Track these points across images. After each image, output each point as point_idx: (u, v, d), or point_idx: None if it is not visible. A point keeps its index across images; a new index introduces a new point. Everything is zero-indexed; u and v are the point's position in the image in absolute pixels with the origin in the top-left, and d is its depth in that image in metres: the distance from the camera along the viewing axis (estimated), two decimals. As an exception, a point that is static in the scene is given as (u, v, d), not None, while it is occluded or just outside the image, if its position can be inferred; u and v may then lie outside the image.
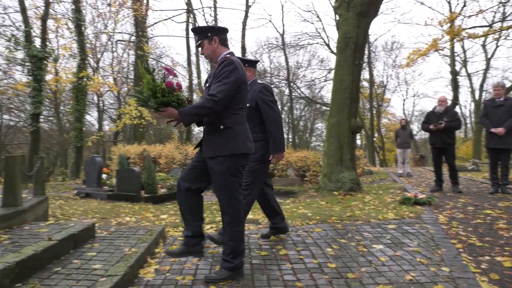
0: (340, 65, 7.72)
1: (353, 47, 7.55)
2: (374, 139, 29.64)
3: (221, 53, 3.00)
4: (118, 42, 20.32)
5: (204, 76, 25.52)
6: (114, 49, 21.55)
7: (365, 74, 26.25)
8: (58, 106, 21.07)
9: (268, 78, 29.80)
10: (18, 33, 14.46)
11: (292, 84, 28.40)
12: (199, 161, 2.99)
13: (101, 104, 24.21)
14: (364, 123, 25.85)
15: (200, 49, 3.08)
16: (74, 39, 14.43)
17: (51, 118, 23.01)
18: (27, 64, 12.51)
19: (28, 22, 12.91)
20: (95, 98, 22.95)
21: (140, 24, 14.49)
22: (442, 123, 6.68)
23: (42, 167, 4.74)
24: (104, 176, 8.92)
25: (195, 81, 19.90)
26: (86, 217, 5.79)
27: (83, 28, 13.62)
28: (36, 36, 13.29)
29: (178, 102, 2.79)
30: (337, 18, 10.19)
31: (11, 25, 17.10)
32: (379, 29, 57.37)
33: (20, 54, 13.98)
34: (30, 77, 12.84)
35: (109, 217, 5.83)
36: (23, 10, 12.85)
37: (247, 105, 3.34)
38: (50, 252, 2.86)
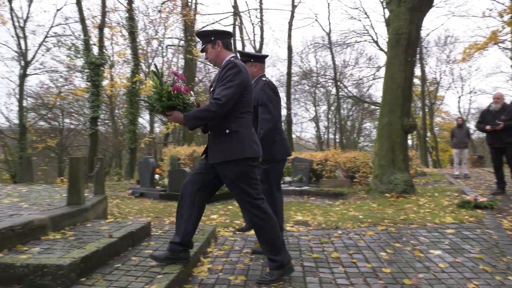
0: (391, 62, 7.46)
1: (405, 44, 7.28)
2: (427, 139, 28.36)
3: (225, 57, 2.96)
4: (168, 47, 21.05)
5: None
6: (164, 54, 22.35)
7: (416, 71, 25.21)
8: (113, 109, 22.21)
9: (314, 78, 29.49)
10: (77, 42, 15.43)
11: (339, 83, 27.89)
12: (206, 169, 2.95)
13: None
14: (416, 123, 24.84)
15: (204, 54, 3.07)
16: (128, 46, 15.15)
17: (107, 121, 24.28)
18: (86, 70, 13.32)
19: (87, 31, 13.75)
20: (146, 101, 23.85)
21: (189, 29, 14.91)
22: (500, 123, 6.23)
23: (102, 168, 5.01)
24: (156, 176, 9.26)
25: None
26: (141, 215, 6.04)
27: (136, 35, 14.25)
28: (94, 44, 14.12)
29: (184, 106, 2.78)
30: (388, 14, 9.85)
31: (71, 35, 18.31)
32: (431, 24, 54.86)
33: (79, 62, 14.92)
34: (88, 83, 13.66)
35: (162, 216, 6.05)
36: (82, 20, 13.70)
37: (253, 104, 3.28)
38: (111, 249, 3.01)
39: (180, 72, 2.97)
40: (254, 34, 22.79)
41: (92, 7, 27.08)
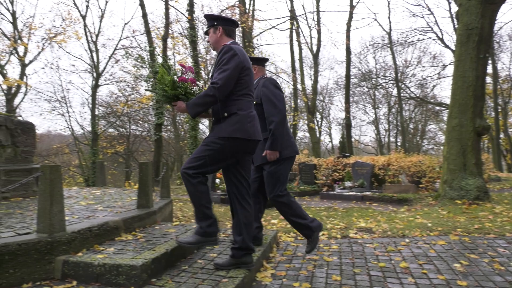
0: (461, 60, 7.00)
1: (477, 39, 6.80)
2: (500, 141, 26.19)
3: (224, 43, 2.94)
4: (226, 53, 21.52)
5: (307, 82, 25.57)
6: (222, 61, 22.88)
7: (488, 68, 23.43)
8: (175, 116, 23.14)
9: (374, 79, 28.55)
10: (143, 53, 16.33)
11: (400, 84, 26.73)
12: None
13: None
14: (489, 124, 23.07)
15: (207, 37, 3.08)
16: (189, 55, 15.72)
17: (169, 128, 25.35)
18: (151, 80, 14.03)
19: (152, 43, 14.50)
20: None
21: (247, 35, 15.15)
22: None
23: (168, 172, 5.23)
24: (217, 180, 9.47)
25: (299, 87, 20.07)
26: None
27: (196, 44, 14.75)
28: (158, 55, 14.83)
29: (186, 96, 2.81)
30: (455, 8, 9.27)
31: (137, 46, 19.43)
32: (504, 16, 50.75)
33: (145, 72, 15.76)
34: (153, 91, 14.37)
35: (224, 220, 6.16)
36: (148, 32, 14.49)
37: (254, 102, 3.22)
38: (179, 251, 3.11)
39: (189, 64, 2.97)
40: (311, 37, 22.65)
41: (156, 19, 28.66)
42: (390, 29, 25.08)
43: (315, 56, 22.73)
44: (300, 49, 21.39)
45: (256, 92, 3.43)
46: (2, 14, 18.77)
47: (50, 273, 2.63)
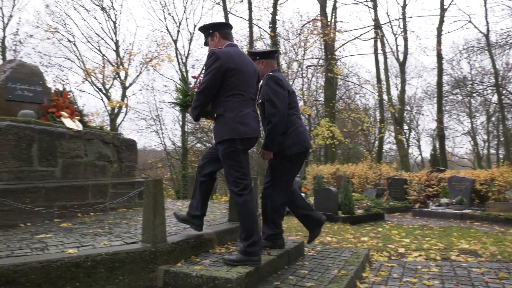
0: None
1: None
2: None
3: (221, 46, 3.12)
4: (308, 67, 21.55)
5: (393, 92, 24.40)
6: (304, 74, 22.97)
7: None
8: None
9: (469, 86, 26.20)
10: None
11: (501, 89, 24.15)
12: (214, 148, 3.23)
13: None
14: None
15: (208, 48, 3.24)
16: (271, 70, 16.03)
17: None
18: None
19: (278, 60, 15.12)
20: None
21: (329, 47, 15.01)
22: None
23: (255, 186, 5.31)
24: (302, 195, 9.40)
25: (385, 97, 19.24)
26: (291, 234, 6.16)
27: (278, 59, 15.03)
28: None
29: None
30: None
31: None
32: None
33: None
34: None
35: (302, 232, 6.06)
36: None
37: (259, 101, 3.42)
38: (270, 266, 3.12)
39: (201, 76, 3.21)
40: (397, 46, 21.61)
41: (240, 38, 29.80)
42: (488, 30, 22.78)
43: (402, 65, 21.63)
44: (385, 58, 20.55)
45: (261, 90, 3.46)
46: (108, 44, 21.13)
47: (153, 281, 2.81)
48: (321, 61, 21.15)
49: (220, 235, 3.62)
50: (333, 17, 16.89)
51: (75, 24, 29.72)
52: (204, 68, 3.06)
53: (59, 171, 4.34)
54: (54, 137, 4.28)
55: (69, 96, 5.03)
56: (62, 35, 20.33)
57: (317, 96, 23.85)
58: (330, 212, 7.91)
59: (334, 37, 15.09)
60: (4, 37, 19.06)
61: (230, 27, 3.31)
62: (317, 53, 22.60)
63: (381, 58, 20.54)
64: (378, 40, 17.86)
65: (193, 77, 3.52)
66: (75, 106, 5.05)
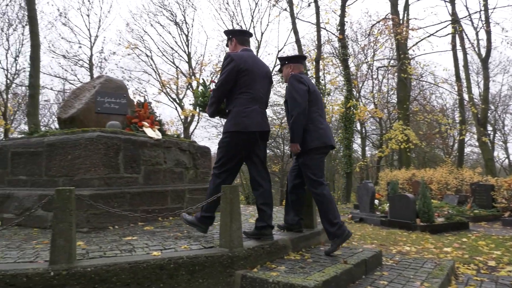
0: None
1: None
2: None
3: (237, 50, 3.53)
4: (379, 68, 20.79)
5: (475, 90, 22.55)
6: (374, 76, 22.20)
7: None
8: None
9: None
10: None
11: None
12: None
13: (363, 131, 25.19)
14: None
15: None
16: (341, 73, 15.76)
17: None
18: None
19: (306, 66, 15.06)
20: (358, 125, 24.09)
21: (401, 46, 14.32)
22: None
23: (328, 193, 5.21)
24: (376, 201, 9.04)
25: (465, 97, 17.83)
26: (365, 242, 5.94)
27: (348, 62, 14.70)
28: (311, 76, 15.30)
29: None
30: None
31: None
32: None
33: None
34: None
35: (387, 244, 5.79)
36: (300, 56, 15.10)
37: (285, 99, 3.80)
38: (347, 275, 3.03)
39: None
40: (478, 40, 19.95)
41: (307, 42, 29.66)
42: None
43: (484, 61, 19.88)
44: (465, 54, 19.04)
45: (286, 90, 3.82)
46: (181, 56, 22.28)
47: (230, 285, 2.87)
48: (392, 61, 20.29)
49: (294, 242, 3.60)
50: (405, 14, 16.09)
51: (152, 39, 31.89)
52: (220, 68, 3.46)
53: (141, 178, 4.65)
54: (137, 146, 4.59)
55: (149, 107, 5.37)
56: (140, 50, 21.92)
57: (389, 98, 22.88)
58: (407, 220, 7.49)
59: (407, 36, 14.36)
60: (91, 55, 20.98)
61: (248, 34, 3.73)
62: (387, 54, 21.74)
63: (460, 54, 19.09)
64: (457, 35, 16.64)
65: (212, 81, 3.97)
66: (155, 116, 5.38)
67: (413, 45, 15.71)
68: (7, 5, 19.25)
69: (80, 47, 24.12)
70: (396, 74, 17.60)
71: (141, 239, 3.40)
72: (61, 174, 4.32)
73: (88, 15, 30.03)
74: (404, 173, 12.58)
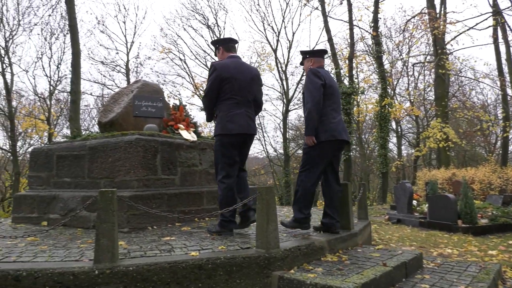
0: None
1: None
2: None
3: (224, 57, 3.80)
4: (415, 65, 20.16)
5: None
6: (410, 73, 21.56)
7: None
8: (361, 134, 22.85)
9: None
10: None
11: None
12: None
13: (398, 129, 24.51)
14: None
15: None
16: (375, 71, 15.42)
17: (354, 146, 25.15)
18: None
19: (338, 64, 14.86)
20: (393, 124, 23.47)
21: (439, 42, 13.80)
22: None
23: (365, 193, 5.12)
24: (414, 202, 8.77)
25: (509, 92, 16.95)
26: (404, 244, 5.78)
27: (382, 59, 14.36)
28: (345, 75, 15.07)
29: None
30: None
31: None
32: None
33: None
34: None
35: (427, 246, 5.61)
36: (333, 55, 14.94)
37: (302, 91, 3.98)
38: (387, 278, 2.96)
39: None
40: (522, 32, 18.89)
41: (339, 41, 29.27)
42: None
43: (529, 54, 18.84)
44: (508, 47, 18.10)
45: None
46: (213, 58, 22.59)
47: (267, 287, 2.87)
48: (429, 57, 19.63)
49: (331, 243, 3.56)
50: (443, 8, 15.51)
51: (185, 43, 32.55)
52: (207, 77, 3.78)
53: (178, 179, 4.75)
54: (174, 148, 4.70)
55: (184, 109, 5.47)
56: (174, 54, 22.42)
57: (426, 95, 22.14)
58: (447, 221, 7.22)
59: (444, 30, 13.83)
60: (128, 60, 21.66)
61: (234, 41, 3.97)
62: (423, 49, 21.07)
63: (502, 48, 18.16)
64: (498, 27, 15.86)
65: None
66: (190, 119, 5.48)
67: (451, 40, 15.11)
68: (49, 15, 20.26)
69: (117, 53, 25.08)
70: (433, 70, 17.01)
71: (179, 240, 3.48)
72: (103, 176, 4.49)
73: (124, 22, 31.01)
74: (444, 173, 12.12)
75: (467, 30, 14.02)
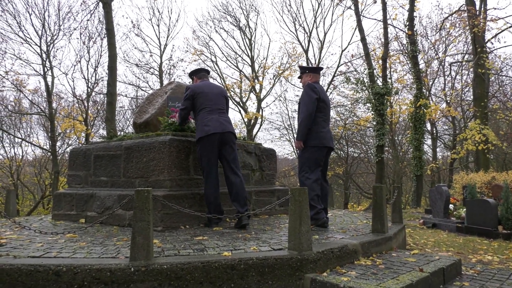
0: None
1: None
2: None
3: (196, 83, 4.69)
4: (452, 64, 19.44)
5: None
6: (447, 73, 20.82)
7: None
8: (394, 136, 22.27)
9: None
10: (361, 76, 16.58)
11: None
12: None
13: (434, 131, 23.71)
14: None
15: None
16: (409, 71, 14.98)
17: (386, 148, 24.56)
18: (372, 101, 14.00)
19: (371, 64, 14.54)
20: (428, 125, 22.74)
21: (478, 40, 13.23)
22: None
23: (399, 196, 4.98)
24: (451, 206, 8.45)
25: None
26: (440, 249, 5.58)
27: (417, 59, 13.93)
28: (378, 75, 14.74)
29: None
30: None
31: (354, 71, 19.93)
32: None
33: (364, 94, 15.92)
34: (373, 113, 14.31)
35: (465, 252, 5.39)
36: (367, 55, 14.63)
37: (299, 102, 4.54)
38: (424, 284, 2.86)
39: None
40: None
41: (373, 40, 28.72)
42: None
43: None
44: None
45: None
46: (244, 60, 22.73)
47: (300, 288, 2.84)
48: (467, 56, 18.89)
49: (365, 247, 3.48)
50: (483, 4, 14.87)
51: (217, 45, 32.92)
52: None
53: (210, 179, 4.78)
54: (206, 149, 4.74)
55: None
56: (206, 56, 22.70)
57: (463, 95, 21.31)
58: (487, 226, 6.91)
59: (484, 28, 13.25)
60: (161, 63, 22.13)
61: (204, 70, 4.93)
62: (461, 48, 20.29)
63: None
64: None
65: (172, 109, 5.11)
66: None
67: (492, 37, 14.44)
68: (88, 20, 21.03)
69: (151, 55, 25.60)
70: (471, 69, 16.35)
71: (212, 239, 3.51)
72: (137, 175, 4.60)
73: (158, 25, 31.67)
74: (483, 176, 11.60)
75: (510, 27, 13.36)
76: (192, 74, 4.95)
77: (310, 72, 4.65)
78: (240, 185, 4.27)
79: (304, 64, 21.49)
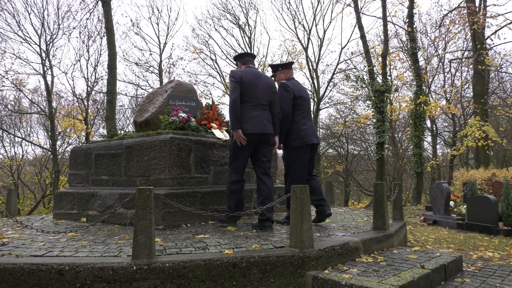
0: None
1: None
2: None
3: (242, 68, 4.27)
4: (451, 61, 19.43)
5: None
6: (447, 70, 20.80)
7: None
8: (394, 133, 22.27)
9: None
10: (361, 73, 16.57)
11: None
12: None
13: (433, 128, 23.72)
14: None
15: None
16: (409, 68, 14.97)
17: (386, 145, 24.56)
18: (372, 98, 14.00)
19: (371, 62, 14.52)
20: (428, 122, 22.75)
21: (478, 37, 13.22)
22: None
23: (400, 193, 4.99)
24: (451, 203, 8.46)
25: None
26: (441, 246, 5.59)
27: (417, 56, 13.91)
28: (377, 72, 14.74)
29: None
30: None
31: (353, 68, 19.91)
32: None
33: (364, 92, 15.91)
34: (373, 110, 14.32)
35: (466, 249, 5.40)
36: (366, 52, 14.62)
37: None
38: (425, 281, 2.87)
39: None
40: None
41: (372, 38, 28.71)
42: None
43: None
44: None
45: None
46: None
47: (301, 286, 2.86)
48: (467, 52, 18.88)
49: (366, 244, 3.49)
50: (482, 1, 14.86)
51: (216, 43, 32.84)
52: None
53: (211, 178, 4.80)
54: (207, 147, 4.75)
55: (217, 109, 5.53)
56: (205, 54, 22.70)
57: (463, 92, 21.30)
58: (487, 223, 6.92)
59: (484, 24, 13.23)
60: (161, 61, 22.11)
61: (250, 55, 4.43)
62: (461, 45, 20.27)
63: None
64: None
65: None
66: (223, 118, 5.53)
67: (492, 34, 14.41)
68: (87, 19, 21.00)
69: (150, 54, 25.66)
70: (471, 66, 16.34)
71: (213, 237, 3.51)
72: (138, 174, 4.61)
73: (157, 24, 31.77)
74: (483, 173, 11.61)
75: (509, 23, 13.34)
76: (236, 59, 4.56)
77: (283, 68, 4.54)
78: (271, 190, 4.09)
79: (304, 63, 21.48)
